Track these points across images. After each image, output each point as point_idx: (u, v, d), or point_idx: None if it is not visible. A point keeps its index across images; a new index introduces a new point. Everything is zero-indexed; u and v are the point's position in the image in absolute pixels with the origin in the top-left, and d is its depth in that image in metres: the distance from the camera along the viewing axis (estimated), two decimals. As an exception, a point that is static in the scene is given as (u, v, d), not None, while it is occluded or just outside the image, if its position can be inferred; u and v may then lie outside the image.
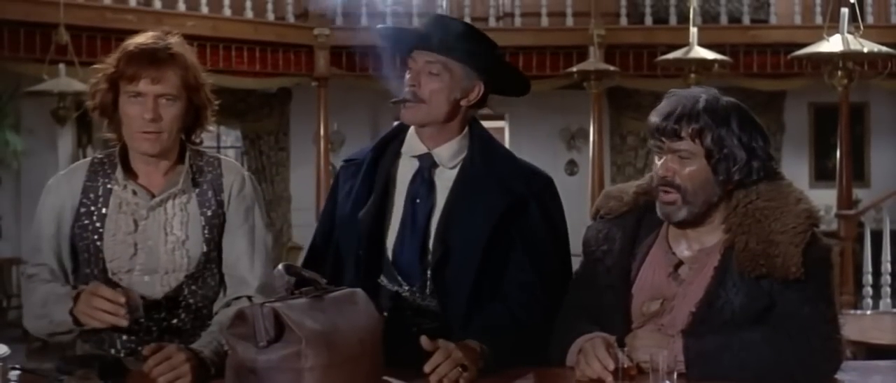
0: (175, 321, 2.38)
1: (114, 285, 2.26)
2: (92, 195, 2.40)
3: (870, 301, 7.35)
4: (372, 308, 2.07)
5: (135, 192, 2.39)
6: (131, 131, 2.35)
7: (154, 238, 2.37)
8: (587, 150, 10.06)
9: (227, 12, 9.34)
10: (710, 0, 10.56)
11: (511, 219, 2.40)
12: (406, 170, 2.50)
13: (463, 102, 2.46)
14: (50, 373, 2.14)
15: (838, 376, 2.17)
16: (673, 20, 9.87)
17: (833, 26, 6.78)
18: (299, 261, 2.44)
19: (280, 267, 2.00)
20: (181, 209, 2.39)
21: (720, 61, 7.83)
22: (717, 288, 2.19)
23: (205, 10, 9.18)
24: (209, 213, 2.41)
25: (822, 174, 11.36)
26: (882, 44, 6.92)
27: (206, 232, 2.39)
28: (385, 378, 2.04)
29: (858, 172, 10.65)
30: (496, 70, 2.51)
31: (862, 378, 2.29)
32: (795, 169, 10.81)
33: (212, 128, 2.54)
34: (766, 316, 2.16)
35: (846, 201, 7.86)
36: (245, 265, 2.41)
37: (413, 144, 2.48)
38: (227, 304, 2.38)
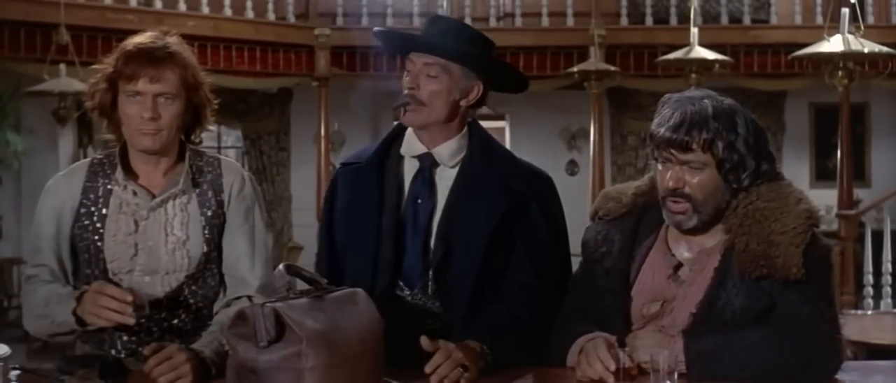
0: (175, 321, 2.38)
1: (115, 285, 2.26)
2: (92, 195, 2.40)
3: (870, 301, 7.35)
4: (372, 308, 2.07)
5: (135, 193, 2.39)
6: (130, 130, 2.35)
7: (154, 238, 2.37)
8: (588, 150, 10.06)
9: (228, 12, 9.35)
10: (711, 0, 10.56)
11: (512, 219, 2.40)
12: (406, 170, 2.49)
13: (462, 102, 2.46)
14: (50, 373, 2.13)
15: (839, 376, 2.17)
16: (673, 20, 9.86)
17: (833, 26, 6.78)
18: (299, 261, 2.44)
19: (280, 267, 2.00)
20: (181, 209, 2.39)
21: (721, 61, 7.82)
22: (718, 290, 2.19)
23: (205, 10, 9.19)
24: (209, 213, 2.41)
25: (822, 174, 11.35)
26: (882, 44, 6.92)
27: (206, 232, 2.39)
28: (386, 379, 2.04)
29: (859, 172, 10.64)
30: (494, 69, 2.51)
31: (862, 378, 2.29)
32: (796, 169, 10.81)
33: (212, 127, 2.55)
34: (767, 317, 2.15)
35: (847, 201, 7.86)
36: (245, 265, 2.41)
37: (412, 145, 2.48)
38: (228, 304, 2.38)
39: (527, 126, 11.44)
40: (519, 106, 10.75)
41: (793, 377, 2.10)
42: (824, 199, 8.53)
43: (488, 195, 2.40)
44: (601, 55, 9.30)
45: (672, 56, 7.88)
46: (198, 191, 2.42)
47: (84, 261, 2.39)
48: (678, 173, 2.19)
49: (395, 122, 2.53)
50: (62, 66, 7.59)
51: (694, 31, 7.74)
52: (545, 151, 10.87)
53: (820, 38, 6.80)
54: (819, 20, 9.02)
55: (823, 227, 6.70)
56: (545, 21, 10.00)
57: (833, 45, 6.62)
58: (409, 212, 2.45)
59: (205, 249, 2.39)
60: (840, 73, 6.96)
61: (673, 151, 2.17)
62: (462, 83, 2.43)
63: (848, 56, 6.71)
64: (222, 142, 12.25)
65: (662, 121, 2.19)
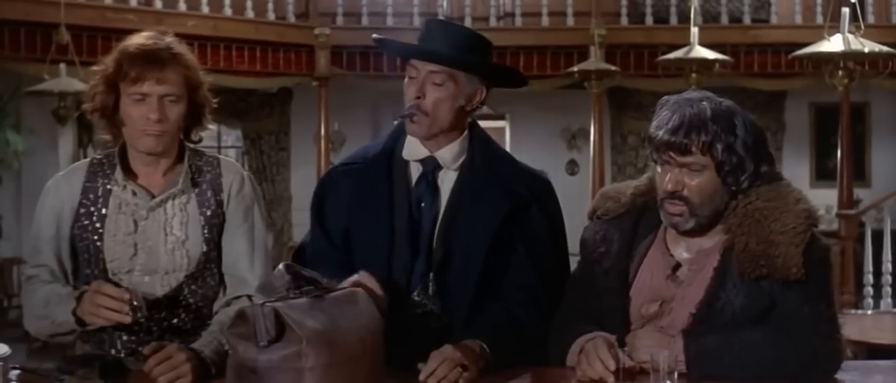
0: (175, 321, 2.38)
1: (115, 285, 2.26)
2: (91, 196, 2.40)
3: (870, 301, 7.35)
4: (373, 307, 2.07)
5: (134, 193, 2.39)
6: (134, 131, 2.35)
7: (154, 238, 2.37)
8: (588, 150, 10.05)
9: (228, 12, 9.34)
10: (711, 0, 10.55)
11: (513, 221, 2.40)
12: (411, 173, 2.48)
13: (466, 108, 2.45)
14: (51, 373, 2.13)
15: (839, 376, 2.17)
16: (674, 20, 9.85)
17: (834, 26, 6.77)
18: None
19: (280, 266, 2.00)
20: (181, 209, 2.39)
21: (721, 61, 7.81)
22: (717, 290, 2.19)
23: (205, 9, 9.18)
24: (209, 213, 2.41)
25: (822, 174, 11.35)
26: (883, 43, 6.91)
27: (205, 232, 2.39)
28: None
29: (859, 172, 10.64)
30: (497, 73, 2.51)
31: (862, 377, 2.29)
32: (796, 169, 10.81)
33: (212, 127, 2.54)
34: (767, 317, 2.15)
35: (847, 201, 7.86)
36: (245, 265, 2.41)
37: (415, 149, 2.46)
38: (228, 304, 2.38)
39: (527, 125, 11.44)
40: (519, 105, 10.74)
41: (793, 376, 2.10)
42: (824, 199, 8.53)
43: (489, 198, 2.40)
44: (601, 55, 9.29)
45: (672, 56, 7.87)
46: (197, 190, 2.42)
47: (84, 261, 2.40)
48: (677, 176, 2.18)
49: (396, 122, 2.53)
50: (62, 66, 7.59)
51: (694, 30, 7.73)
52: (545, 151, 10.87)
53: (820, 38, 6.80)
54: (819, 20, 9.02)
55: (823, 227, 6.71)
56: (545, 21, 9.99)
57: (833, 44, 6.61)
58: (415, 215, 2.44)
59: (204, 249, 2.39)
60: (840, 72, 6.96)
61: (672, 154, 2.17)
62: (467, 89, 2.41)
63: (848, 56, 6.71)
64: (222, 141, 12.25)
65: (661, 124, 2.18)
